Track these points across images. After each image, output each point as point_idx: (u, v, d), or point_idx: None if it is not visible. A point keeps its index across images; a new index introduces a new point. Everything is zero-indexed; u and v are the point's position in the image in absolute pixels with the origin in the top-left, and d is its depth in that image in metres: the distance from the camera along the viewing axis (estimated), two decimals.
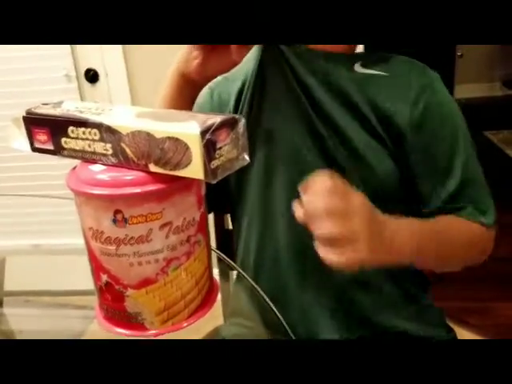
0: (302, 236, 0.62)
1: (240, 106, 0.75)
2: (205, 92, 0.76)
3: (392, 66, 0.71)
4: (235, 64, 0.64)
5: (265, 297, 0.67)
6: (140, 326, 0.48)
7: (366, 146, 0.69)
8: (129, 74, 1.70)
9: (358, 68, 0.70)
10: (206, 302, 0.51)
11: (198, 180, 0.47)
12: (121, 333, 0.49)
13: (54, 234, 1.73)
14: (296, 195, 0.54)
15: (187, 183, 0.45)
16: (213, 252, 0.73)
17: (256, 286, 0.70)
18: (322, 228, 0.51)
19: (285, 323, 0.63)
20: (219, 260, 0.93)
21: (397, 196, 0.71)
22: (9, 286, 1.53)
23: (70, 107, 0.48)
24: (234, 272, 0.91)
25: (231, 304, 0.88)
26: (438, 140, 0.70)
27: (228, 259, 0.80)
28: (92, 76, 1.71)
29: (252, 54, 0.72)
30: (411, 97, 0.68)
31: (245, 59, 0.64)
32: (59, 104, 0.50)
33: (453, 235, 0.68)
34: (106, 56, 1.68)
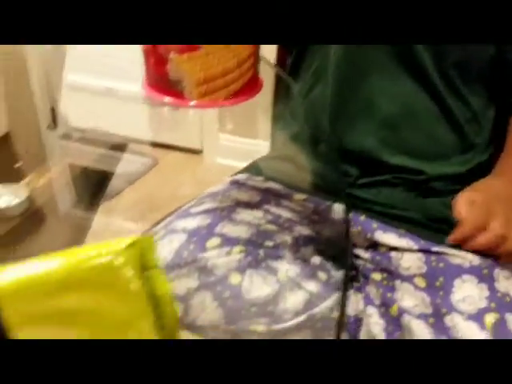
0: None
1: None
2: None
3: None
4: None
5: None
6: (180, 94, 0.51)
7: None
8: None
9: None
10: (245, 91, 0.53)
11: None
12: (163, 99, 0.52)
13: (129, 79, 1.76)
14: None
15: None
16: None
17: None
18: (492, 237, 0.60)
19: None
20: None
21: (486, 77, 0.69)
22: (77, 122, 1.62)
23: None
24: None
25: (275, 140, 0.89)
26: None
27: (285, 74, 0.76)
28: None
29: None
30: None
31: None
32: None
33: None
34: None
